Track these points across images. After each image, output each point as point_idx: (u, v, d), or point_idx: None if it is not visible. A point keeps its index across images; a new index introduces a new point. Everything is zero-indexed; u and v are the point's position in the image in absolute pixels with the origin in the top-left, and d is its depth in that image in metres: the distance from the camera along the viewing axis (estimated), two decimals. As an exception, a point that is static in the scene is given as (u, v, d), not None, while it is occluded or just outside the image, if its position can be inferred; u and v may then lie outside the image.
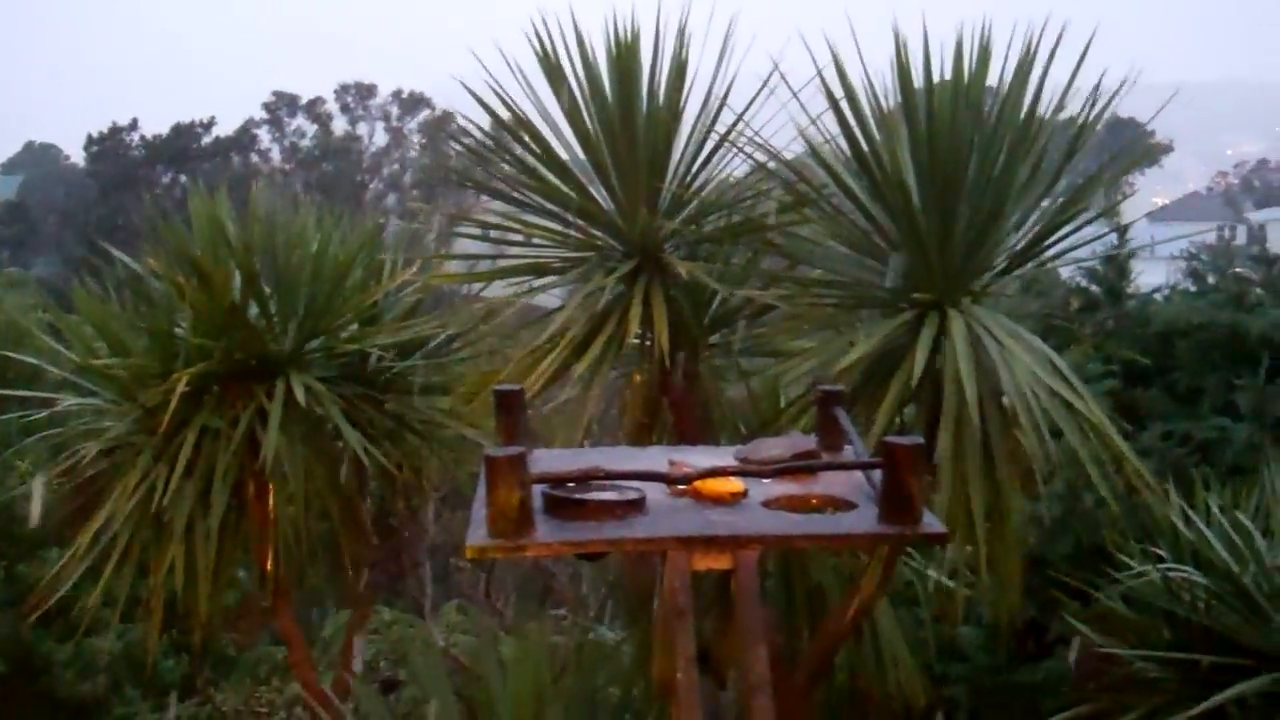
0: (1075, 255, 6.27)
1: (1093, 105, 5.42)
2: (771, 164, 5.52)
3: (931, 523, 2.86)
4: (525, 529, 2.74)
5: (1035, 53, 5.26)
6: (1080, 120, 5.46)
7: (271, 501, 6.22)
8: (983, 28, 5.27)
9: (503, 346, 6.45)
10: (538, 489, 2.88)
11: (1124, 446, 5.31)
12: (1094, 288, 9.56)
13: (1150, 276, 10.77)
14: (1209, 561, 6.31)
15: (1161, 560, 6.38)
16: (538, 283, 5.85)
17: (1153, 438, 8.27)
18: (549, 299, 6.15)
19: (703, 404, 6.13)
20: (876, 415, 5.19)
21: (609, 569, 8.06)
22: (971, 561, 5.65)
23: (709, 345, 6.08)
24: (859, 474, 3.13)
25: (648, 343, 5.77)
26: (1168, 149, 68.13)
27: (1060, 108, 5.40)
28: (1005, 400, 5.18)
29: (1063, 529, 8.27)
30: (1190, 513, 6.46)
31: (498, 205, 6.27)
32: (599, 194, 5.86)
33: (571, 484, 2.92)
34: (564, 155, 5.89)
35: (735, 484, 2.97)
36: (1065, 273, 9.68)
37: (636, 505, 2.90)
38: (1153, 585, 6.39)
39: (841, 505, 2.97)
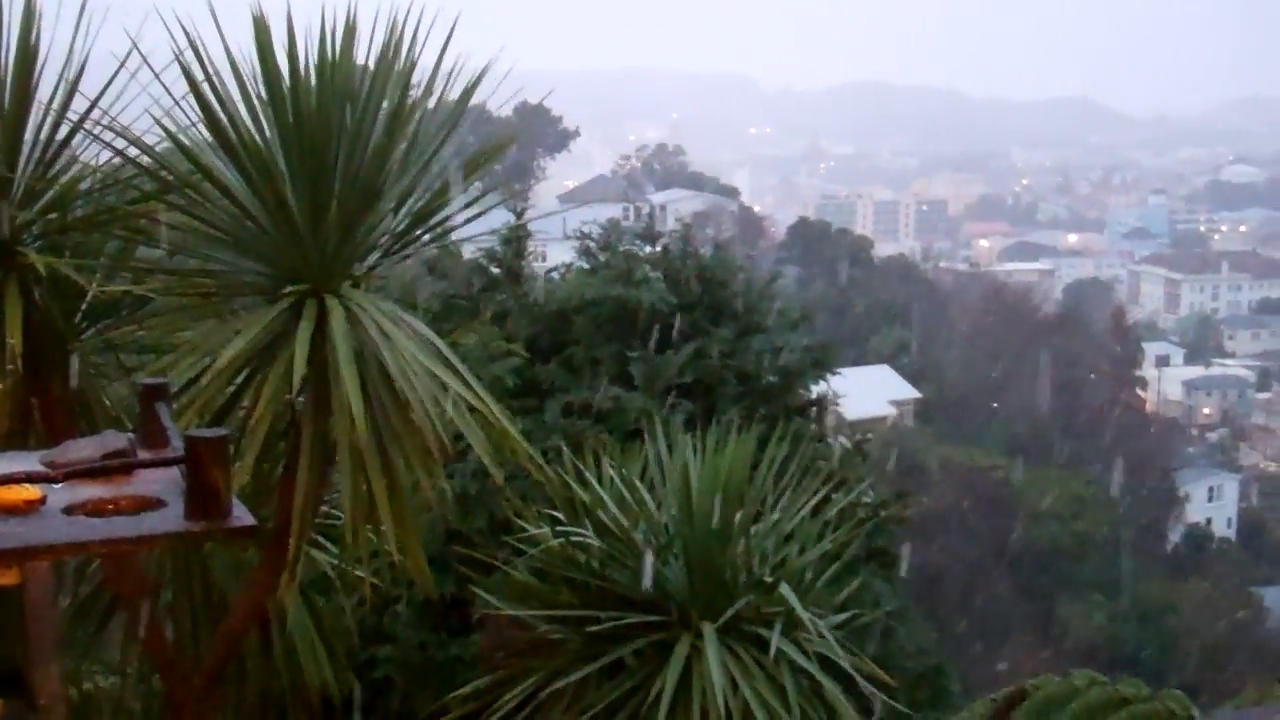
0: (472, 235, 6.39)
1: (466, 88, 5.53)
2: (132, 150, 5.23)
3: (241, 516, 2.76)
4: None
5: (401, 36, 5.28)
6: (453, 102, 5.55)
7: None
8: (348, 9, 5.24)
9: None
10: None
11: (508, 425, 5.45)
12: (494, 268, 9.83)
13: (563, 256, 11.23)
14: (602, 523, 6.68)
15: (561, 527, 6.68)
16: None
17: (556, 409, 8.64)
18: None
19: (83, 404, 5.76)
20: (259, 407, 5.05)
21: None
22: (378, 545, 5.64)
23: (80, 341, 5.68)
24: (176, 472, 2.98)
25: (10, 341, 5.32)
26: (575, 135, 71.23)
27: (430, 90, 5.45)
28: (396, 385, 5.18)
29: (477, 504, 8.48)
30: (587, 478, 6.81)
31: None
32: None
33: None
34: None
35: (31, 491, 2.74)
36: (470, 252, 9.90)
37: (-83, 523, 2.62)
38: (552, 552, 6.68)
39: (153, 505, 2.81)
